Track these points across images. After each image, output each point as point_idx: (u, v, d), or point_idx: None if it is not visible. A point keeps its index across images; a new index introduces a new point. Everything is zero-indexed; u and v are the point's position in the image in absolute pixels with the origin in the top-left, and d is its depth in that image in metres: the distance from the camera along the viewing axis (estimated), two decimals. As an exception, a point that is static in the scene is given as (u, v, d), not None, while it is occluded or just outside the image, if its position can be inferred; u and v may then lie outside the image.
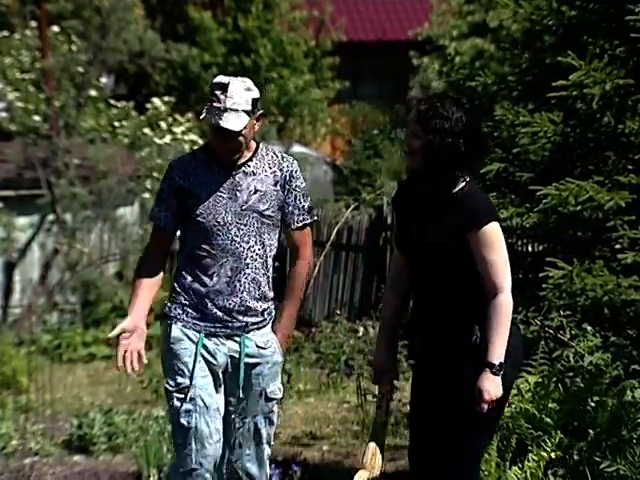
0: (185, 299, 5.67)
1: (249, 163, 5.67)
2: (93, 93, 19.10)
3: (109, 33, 19.14)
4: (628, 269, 7.08)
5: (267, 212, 5.68)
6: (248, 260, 5.65)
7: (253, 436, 5.77)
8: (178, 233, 5.82)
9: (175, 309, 5.68)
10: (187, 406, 5.60)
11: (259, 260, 5.69)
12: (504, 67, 8.21)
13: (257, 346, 5.70)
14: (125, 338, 5.54)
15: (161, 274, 5.75)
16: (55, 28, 19.42)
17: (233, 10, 24.12)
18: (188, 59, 23.30)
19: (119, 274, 16.38)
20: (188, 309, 5.66)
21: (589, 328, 6.90)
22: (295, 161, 5.84)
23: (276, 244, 5.77)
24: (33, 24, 19.98)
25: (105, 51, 19.44)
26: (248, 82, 5.61)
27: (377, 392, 5.69)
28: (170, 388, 5.64)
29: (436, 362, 5.39)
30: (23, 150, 18.72)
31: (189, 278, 5.66)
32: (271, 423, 5.81)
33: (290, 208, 5.76)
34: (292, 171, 5.75)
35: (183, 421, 5.61)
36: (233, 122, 5.49)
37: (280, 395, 5.83)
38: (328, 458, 9.47)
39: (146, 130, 19.23)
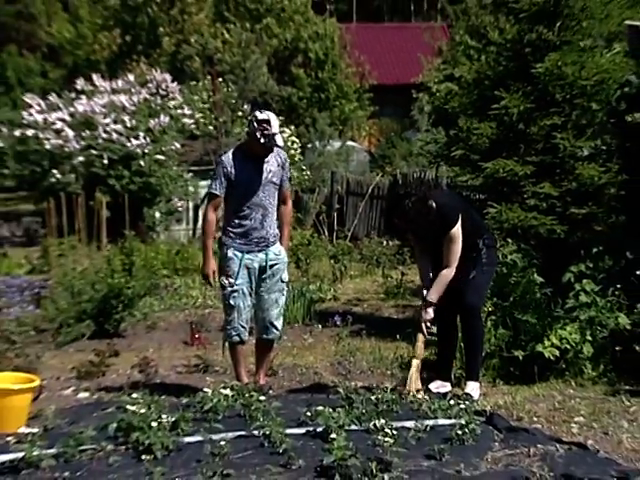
0: (234, 234, 5.68)
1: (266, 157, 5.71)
2: (239, 114, 19.15)
3: (248, 81, 19.15)
4: (531, 208, 7.04)
5: (277, 182, 5.73)
6: (269, 209, 5.69)
7: (274, 303, 5.81)
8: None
9: (228, 240, 5.70)
10: (234, 293, 5.68)
11: (273, 209, 5.74)
12: (463, 98, 8.07)
13: (274, 254, 5.76)
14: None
15: (215, 222, 5.79)
16: (220, 79, 19.47)
17: (315, 68, 24.01)
18: (290, 95, 23.22)
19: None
20: (236, 239, 5.67)
21: (509, 240, 6.86)
22: (285, 153, 5.89)
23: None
24: (208, 77, 20.08)
25: (246, 91, 19.46)
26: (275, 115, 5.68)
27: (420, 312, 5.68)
28: (225, 284, 5.69)
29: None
30: (203, 145, 18.84)
31: (237, 221, 5.66)
32: (283, 295, 5.85)
33: (284, 178, 5.79)
34: (285, 158, 5.81)
35: (232, 301, 5.70)
36: (280, 141, 5.61)
37: (287, 279, 5.91)
38: (366, 311, 9.51)
39: (268, 135, 19.35)
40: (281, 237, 5.85)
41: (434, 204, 5.44)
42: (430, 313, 5.48)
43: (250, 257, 5.67)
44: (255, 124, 5.55)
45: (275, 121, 5.58)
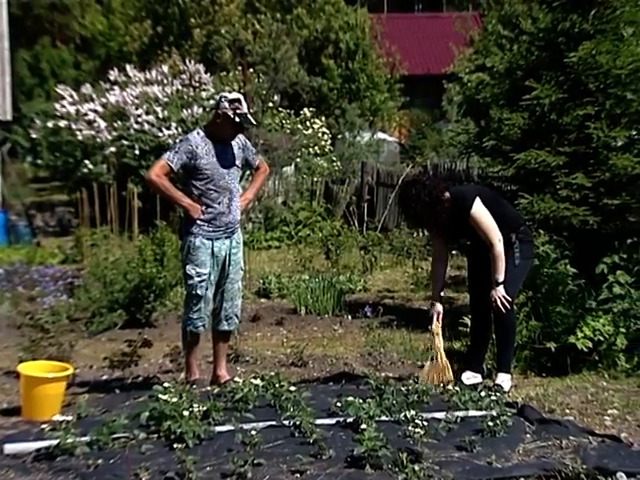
0: (201, 220, 5.51)
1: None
2: (270, 105, 19.12)
3: (279, 72, 19.05)
4: (564, 199, 6.98)
5: (240, 164, 5.65)
6: (234, 193, 5.60)
7: (237, 292, 5.70)
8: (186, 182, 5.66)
9: (195, 228, 5.51)
10: (202, 283, 5.53)
11: (238, 193, 5.65)
12: (494, 88, 8.03)
13: (236, 241, 5.69)
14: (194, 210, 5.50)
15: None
16: (250, 70, 19.44)
17: (345, 58, 23.88)
18: (321, 86, 23.10)
19: (284, 202, 16.43)
20: (203, 225, 5.51)
21: (542, 231, 6.78)
22: (245, 138, 5.76)
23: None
24: (239, 68, 20.04)
25: (276, 82, 19.36)
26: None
27: (431, 314, 5.80)
28: (192, 274, 5.52)
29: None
30: (233, 135, 18.94)
31: (204, 207, 5.50)
32: (241, 283, 5.79)
33: (249, 158, 5.72)
34: (245, 142, 5.69)
35: (199, 291, 5.54)
36: (252, 120, 5.58)
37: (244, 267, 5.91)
38: (396, 302, 9.50)
39: (299, 125, 19.24)
40: (246, 190, 5.83)
41: (448, 194, 5.48)
42: (501, 290, 5.45)
43: (218, 245, 5.57)
44: (227, 104, 5.47)
45: (243, 99, 5.54)
